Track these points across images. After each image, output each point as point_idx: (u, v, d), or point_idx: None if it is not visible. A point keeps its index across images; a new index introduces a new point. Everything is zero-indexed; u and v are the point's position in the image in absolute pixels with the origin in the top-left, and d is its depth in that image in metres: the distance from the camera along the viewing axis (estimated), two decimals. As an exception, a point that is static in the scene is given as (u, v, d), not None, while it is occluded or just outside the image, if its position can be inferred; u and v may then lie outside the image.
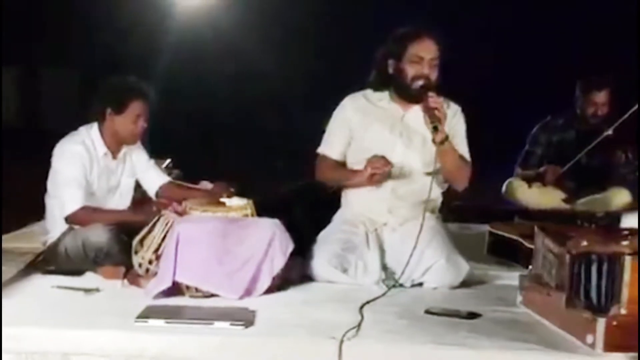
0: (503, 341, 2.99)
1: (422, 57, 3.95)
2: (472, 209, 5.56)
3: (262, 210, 3.90)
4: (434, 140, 3.85)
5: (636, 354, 2.76)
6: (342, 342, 2.93)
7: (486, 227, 4.72)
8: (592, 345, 2.84)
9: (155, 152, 4.47)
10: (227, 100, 7.81)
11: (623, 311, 2.83)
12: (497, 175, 5.65)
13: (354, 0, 7.39)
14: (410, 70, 3.96)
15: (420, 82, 3.94)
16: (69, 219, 3.95)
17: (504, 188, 5.58)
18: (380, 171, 3.91)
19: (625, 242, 2.83)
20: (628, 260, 2.79)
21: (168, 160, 5.24)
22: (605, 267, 2.84)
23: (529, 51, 6.57)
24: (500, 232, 4.50)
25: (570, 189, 5.49)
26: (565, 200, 5.48)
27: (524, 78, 6.56)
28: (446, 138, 3.86)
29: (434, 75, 3.97)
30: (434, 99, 3.85)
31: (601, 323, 2.81)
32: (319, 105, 4.32)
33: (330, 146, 4.16)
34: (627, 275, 2.80)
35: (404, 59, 3.98)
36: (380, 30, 4.17)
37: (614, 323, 2.81)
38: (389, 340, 3.01)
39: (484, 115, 4.60)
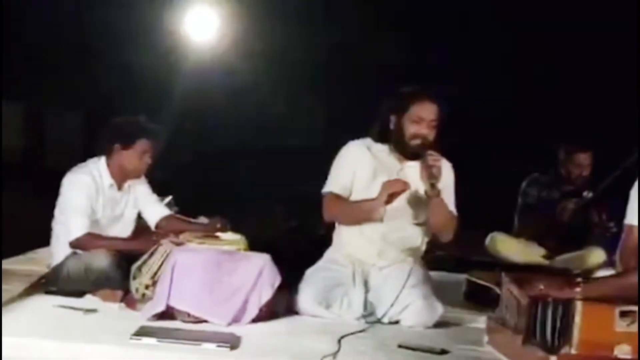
0: (466, 375, 3.27)
1: (423, 118, 4.20)
2: (453, 259, 5.81)
3: (256, 246, 4.19)
4: (428, 195, 4.12)
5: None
6: (318, 366, 3.20)
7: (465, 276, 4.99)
8: (544, 382, 3.11)
9: (158, 188, 4.76)
10: (232, 144, 8.09)
11: (573, 351, 3.09)
12: (480, 228, 5.89)
13: (368, 51, 7.66)
14: (410, 129, 4.21)
15: (418, 141, 4.19)
16: (73, 244, 4.23)
17: (487, 241, 5.79)
18: (400, 189, 4.13)
19: (578, 289, 3.11)
20: (579, 305, 3.07)
21: (170, 197, 5.49)
22: (559, 310, 3.11)
23: (517, 112, 6.93)
24: (476, 280, 4.76)
25: (550, 246, 5.72)
26: (545, 257, 5.72)
27: (506, 136, 6.91)
28: (439, 193, 4.14)
29: (432, 135, 4.22)
30: (433, 157, 4.10)
31: (553, 361, 3.08)
32: (321, 152, 4.55)
33: (338, 184, 4.33)
34: (578, 319, 3.07)
35: (405, 117, 4.22)
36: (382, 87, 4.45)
37: (565, 361, 3.08)
38: (362, 368, 3.29)
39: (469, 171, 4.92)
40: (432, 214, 4.24)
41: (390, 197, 4.12)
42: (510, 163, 6.40)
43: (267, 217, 6.25)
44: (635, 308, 3.08)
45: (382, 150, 4.36)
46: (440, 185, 4.16)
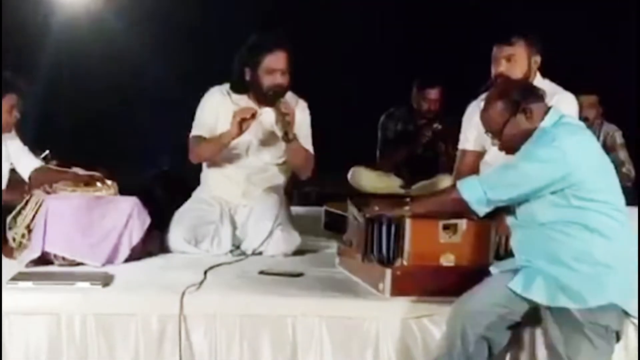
0: (318, 292, 3.66)
1: (275, 69, 4.49)
2: (319, 194, 6.21)
3: (127, 191, 4.46)
4: (283, 139, 4.45)
5: (416, 298, 3.47)
6: (183, 294, 3.53)
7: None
8: (383, 291, 3.53)
9: (35, 142, 4.94)
10: (105, 96, 8.22)
11: (405, 262, 3.53)
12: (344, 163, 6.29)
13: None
14: (265, 81, 4.49)
15: (274, 91, 4.48)
16: (-53, 199, 4.40)
17: (349, 175, 6.21)
18: (249, 115, 4.39)
19: (407, 207, 3.53)
20: (408, 222, 3.49)
21: (47, 152, 5.66)
22: (392, 227, 3.53)
23: (371, 49, 7.35)
24: (333, 210, 5.18)
25: (406, 176, 6.18)
26: (402, 187, 6.16)
27: (365, 73, 7.34)
28: (294, 137, 4.46)
29: (285, 81, 4.52)
30: (285, 105, 4.41)
31: (388, 273, 3.50)
32: (190, 104, 4.80)
33: (202, 128, 4.60)
34: (408, 233, 3.49)
35: (259, 70, 4.50)
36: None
37: (398, 273, 3.50)
38: (223, 292, 3.64)
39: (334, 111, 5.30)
40: (290, 157, 4.60)
41: (242, 125, 4.37)
42: (370, 98, 6.81)
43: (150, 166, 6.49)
44: (456, 221, 3.53)
45: (241, 98, 4.63)
46: (296, 127, 4.49)
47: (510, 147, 3.36)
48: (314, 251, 4.58)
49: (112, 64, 8.01)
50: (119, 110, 8.08)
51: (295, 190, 6.28)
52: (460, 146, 4.45)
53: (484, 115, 3.42)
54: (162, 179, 5.10)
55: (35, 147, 5.03)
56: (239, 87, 4.63)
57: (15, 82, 4.56)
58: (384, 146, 6.35)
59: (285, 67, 4.52)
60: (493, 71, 4.22)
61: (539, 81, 4.18)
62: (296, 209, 5.58)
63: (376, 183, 6.12)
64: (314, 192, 6.36)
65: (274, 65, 4.50)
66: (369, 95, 7.05)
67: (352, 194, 5.92)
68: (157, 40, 7.92)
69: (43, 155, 5.44)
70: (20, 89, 4.56)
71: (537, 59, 4.22)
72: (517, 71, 4.13)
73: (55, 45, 7.95)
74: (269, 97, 4.49)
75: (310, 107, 4.78)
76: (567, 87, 4.30)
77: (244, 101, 4.61)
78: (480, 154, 4.37)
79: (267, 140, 4.63)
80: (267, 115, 4.56)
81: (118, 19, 8.02)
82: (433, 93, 6.19)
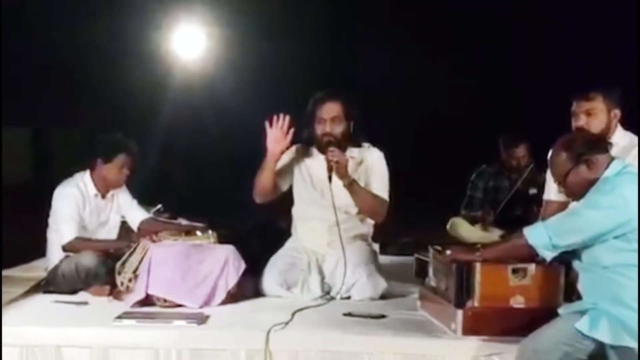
0: (397, 331, 3.88)
1: (324, 118, 4.77)
2: (419, 244, 6.37)
3: (228, 240, 4.78)
4: (339, 182, 4.63)
5: (486, 337, 3.62)
6: (269, 331, 3.80)
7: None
8: (455, 331, 3.71)
9: (151, 195, 5.36)
10: (218, 155, 8.67)
11: (476, 304, 3.69)
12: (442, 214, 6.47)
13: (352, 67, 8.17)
14: (318, 130, 4.80)
15: (325, 139, 4.75)
16: (65, 248, 4.82)
17: (448, 226, 6.36)
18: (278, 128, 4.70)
19: (477, 253, 3.70)
20: (478, 266, 3.66)
21: (159, 205, 6.07)
22: (464, 271, 3.70)
23: (459, 105, 7.56)
24: (423, 258, 5.33)
25: (505, 226, 6.27)
26: (501, 237, 6.26)
27: (458, 130, 7.53)
28: (352, 182, 4.66)
29: (337, 130, 4.75)
30: (332, 153, 4.61)
31: (460, 314, 3.67)
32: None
33: None
34: (478, 277, 3.66)
35: (314, 121, 4.81)
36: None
37: (469, 313, 3.67)
38: (307, 331, 3.90)
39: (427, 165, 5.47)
40: (356, 203, 4.80)
41: (276, 151, 4.72)
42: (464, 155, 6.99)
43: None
44: (525, 265, 3.66)
45: (312, 149, 4.93)
46: (365, 170, 4.76)
47: (574, 194, 3.51)
48: (401, 296, 4.76)
49: (221, 122, 8.44)
50: (227, 167, 8.47)
51: (393, 240, 6.51)
52: (545, 196, 4.53)
53: (550, 164, 3.58)
54: (259, 230, 5.42)
55: (149, 199, 5.44)
56: (308, 139, 4.93)
57: (127, 143, 5.00)
58: (467, 203, 6.48)
59: (335, 115, 4.75)
60: (573, 125, 4.24)
61: (620, 133, 4.21)
62: (393, 258, 5.81)
63: (476, 234, 6.24)
64: (411, 242, 6.52)
65: (323, 115, 4.76)
66: (464, 151, 7.23)
67: (450, 244, 6.11)
68: (266, 101, 8.29)
69: (156, 208, 5.83)
70: (130, 149, 4.99)
71: (617, 112, 4.21)
72: (596, 125, 4.14)
73: (171, 105, 8.43)
74: (324, 147, 4.73)
75: (410, 163, 4.97)
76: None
77: (315, 151, 4.90)
78: (564, 204, 4.43)
79: (338, 192, 4.73)
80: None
81: (229, 80, 8.44)
82: (518, 151, 6.31)
